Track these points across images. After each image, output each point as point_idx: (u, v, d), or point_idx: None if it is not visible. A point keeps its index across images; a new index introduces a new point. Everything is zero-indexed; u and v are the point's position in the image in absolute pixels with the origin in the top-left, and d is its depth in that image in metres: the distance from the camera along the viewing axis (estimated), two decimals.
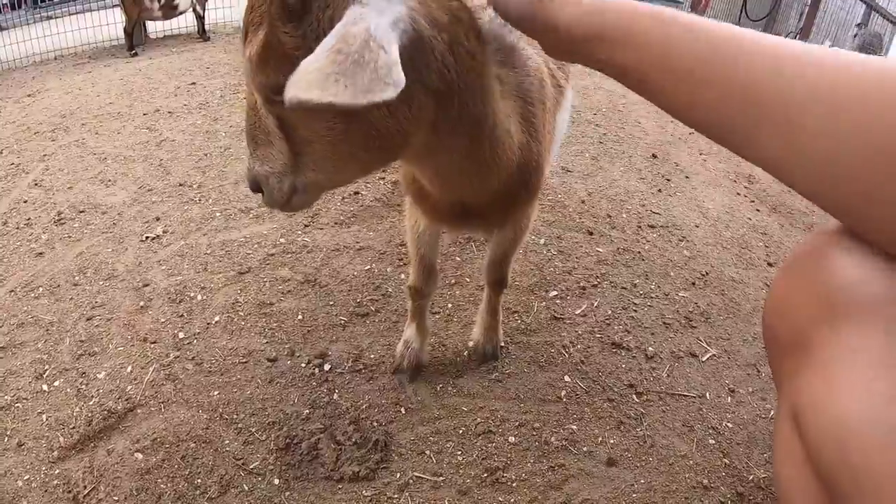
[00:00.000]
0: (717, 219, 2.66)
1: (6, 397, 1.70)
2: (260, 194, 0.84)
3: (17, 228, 2.52)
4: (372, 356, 1.75)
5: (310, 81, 0.58)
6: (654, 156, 3.15)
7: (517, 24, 0.73)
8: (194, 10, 6.28)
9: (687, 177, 2.99)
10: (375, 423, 1.55)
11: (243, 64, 0.73)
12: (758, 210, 2.82)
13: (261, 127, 0.77)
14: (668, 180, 2.93)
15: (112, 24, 6.30)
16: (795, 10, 12.94)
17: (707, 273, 2.27)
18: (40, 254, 2.32)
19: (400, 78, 0.59)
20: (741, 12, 9.67)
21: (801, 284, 0.57)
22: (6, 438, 1.57)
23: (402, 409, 1.60)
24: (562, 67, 1.33)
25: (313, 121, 0.73)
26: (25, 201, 2.73)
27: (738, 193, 2.94)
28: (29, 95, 4.49)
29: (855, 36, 10.75)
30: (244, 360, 1.72)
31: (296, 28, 0.66)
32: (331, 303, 1.95)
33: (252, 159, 0.80)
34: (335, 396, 1.62)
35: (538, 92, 1.10)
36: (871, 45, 10.04)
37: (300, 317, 1.89)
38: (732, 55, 0.58)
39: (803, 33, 10.78)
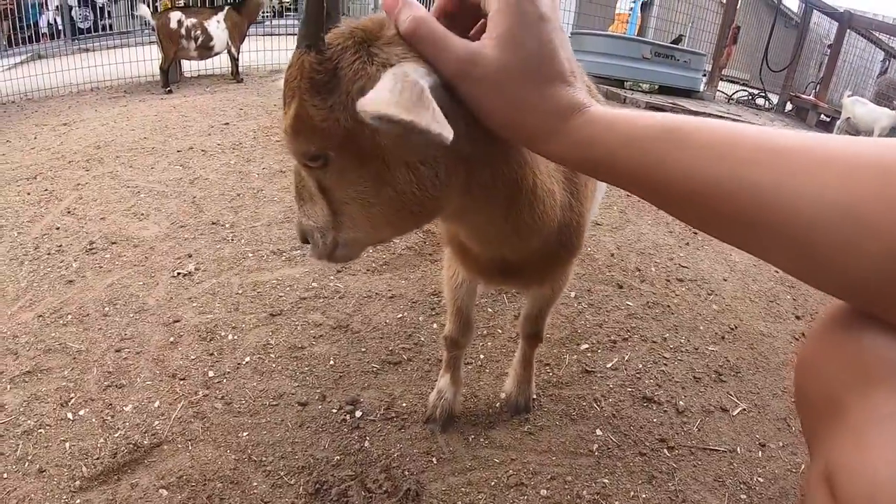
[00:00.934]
0: (745, 272, 2.74)
1: (29, 422, 1.72)
2: (307, 245, 0.89)
3: (49, 254, 2.60)
4: (404, 404, 1.78)
5: (381, 102, 0.61)
6: None
7: (508, 140, 0.77)
8: (229, 51, 6.55)
9: None
10: (407, 473, 1.57)
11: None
12: None
13: (304, 185, 0.83)
14: (696, 233, 3.05)
15: (148, 60, 6.57)
16: (815, 60, 13.27)
17: (736, 327, 2.33)
18: (70, 281, 2.39)
19: (448, 133, 0.62)
20: (762, 63, 9.91)
21: (833, 349, 0.58)
22: (27, 464, 1.59)
23: (434, 459, 1.62)
24: None
25: (346, 186, 0.78)
26: (58, 228, 2.82)
27: None
28: (65, 124, 4.66)
29: (875, 84, 10.97)
30: (274, 403, 1.75)
31: (324, 101, 0.71)
32: (363, 349, 1.99)
33: (300, 213, 0.86)
34: (366, 444, 1.64)
35: None
36: (890, 94, 10.21)
37: (332, 362, 1.93)
38: (730, 174, 0.56)
39: (823, 83, 11.02)
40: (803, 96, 10.67)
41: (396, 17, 0.70)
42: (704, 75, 9.03)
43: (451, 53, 0.66)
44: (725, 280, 2.65)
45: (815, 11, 10.55)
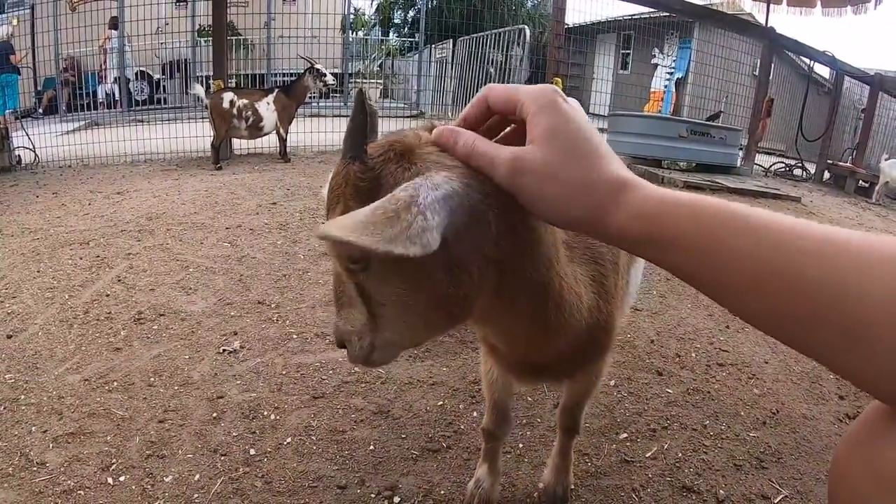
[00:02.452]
0: (787, 352, 2.75)
1: (69, 482, 1.83)
2: (344, 350, 0.94)
3: (98, 320, 2.78)
4: (442, 492, 1.84)
5: (343, 224, 0.70)
6: None
7: (569, 227, 0.78)
8: (277, 132, 6.97)
9: None
10: None
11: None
12: None
13: (343, 290, 0.90)
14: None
15: (199, 136, 6.99)
16: (850, 126, 13.39)
17: (778, 411, 2.34)
18: (118, 349, 2.55)
19: (431, 242, 0.70)
20: (797, 134, 10.05)
21: (863, 455, 0.58)
22: None
23: None
24: None
25: (385, 287, 0.85)
26: (107, 295, 3.02)
27: None
28: (118, 193, 4.98)
29: None
30: (314, 485, 1.83)
31: (370, 201, 0.77)
32: (403, 436, 2.08)
33: (337, 318, 0.91)
34: None
35: (610, 253, 1.22)
36: None
37: (372, 447, 2.01)
38: (794, 264, 0.56)
39: (859, 148, 11.08)
40: (841, 164, 10.74)
41: (453, 148, 0.81)
42: (741, 150, 9.17)
43: (502, 160, 0.74)
44: (767, 362, 2.68)
45: (846, 77, 10.77)
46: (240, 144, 7.36)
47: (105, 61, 12.14)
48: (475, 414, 2.21)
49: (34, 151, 6.86)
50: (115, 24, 11.87)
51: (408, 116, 10.78)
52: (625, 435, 2.15)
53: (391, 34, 19.42)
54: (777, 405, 2.39)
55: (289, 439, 2.02)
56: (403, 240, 0.69)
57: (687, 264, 0.65)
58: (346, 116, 6.07)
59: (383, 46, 16.60)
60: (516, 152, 0.73)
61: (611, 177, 0.69)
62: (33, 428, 2.08)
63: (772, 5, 9.62)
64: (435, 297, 0.85)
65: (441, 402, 2.27)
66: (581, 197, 0.70)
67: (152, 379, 2.34)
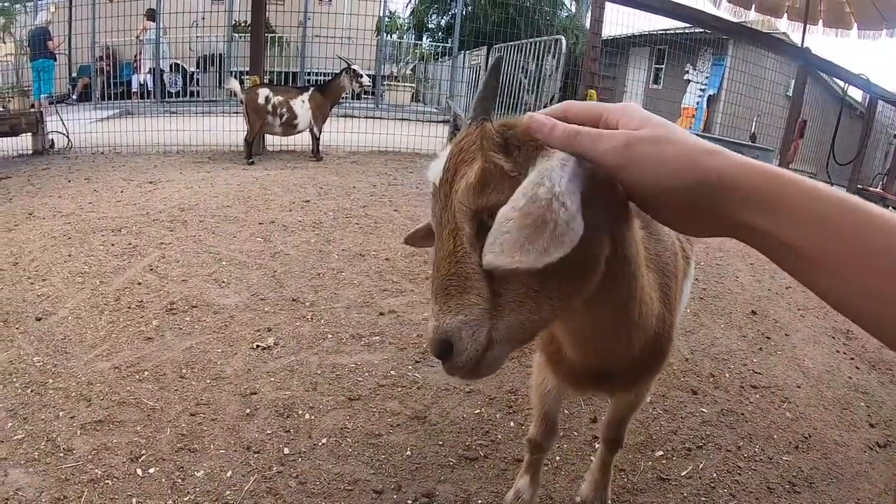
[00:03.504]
0: (819, 378, 2.77)
1: (96, 470, 1.83)
2: (442, 359, 0.87)
3: (129, 308, 2.79)
4: (480, 501, 1.82)
5: (503, 246, 0.72)
6: (753, 312, 3.40)
7: (671, 197, 0.75)
8: (311, 130, 7.00)
9: (787, 334, 3.20)
10: None
11: (448, 205, 0.85)
12: (857, 368, 2.96)
13: (456, 273, 0.85)
14: (769, 338, 3.12)
15: (231, 131, 7.04)
16: (881, 151, 13.17)
17: (810, 436, 2.33)
18: (149, 338, 2.55)
19: (577, 229, 0.72)
20: (829, 157, 9.92)
21: None
22: None
23: None
24: (689, 238, 1.47)
25: None
26: (139, 283, 3.03)
27: (838, 351, 3.10)
28: (151, 182, 5.03)
29: None
30: (349, 488, 1.81)
31: (507, 155, 0.82)
32: (440, 442, 2.06)
33: (441, 314, 0.84)
34: None
35: (673, 264, 1.24)
36: None
37: (408, 452, 2.00)
38: None
39: (890, 174, 10.94)
40: (871, 189, 10.59)
41: (550, 133, 0.81)
42: None
43: (611, 135, 0.75)
44: (799, 386, 2.68)
45: (879, 101, 10.62)
46: (272, 141, 7.42)
47: (141, 52, 12.34)
48: (511, 424, 2.19)
49: (67, 136, 6.97)
50: (152, 15, 12.06)
51: (439, 121, 10.79)
52: (660, 452, 2.14)
53: (425, 38, 19.53)
54: (809, 430, 2.38)
55: (324, 440, 2.00)
56: (556, 242, 0.71)
57: (793, 231, 0.64)
58: (379, 118, 6.13)
59: (416, 50, 16.68)
60: (626, 133, 0.74)
61: (712, 146, 0.71)
62: (61, 413, 2.09)
63: (808, 26, 9.54)
64: (569, 261, 0.77)
65: (478, 411, 2.25)
66: (700, 158, 0.70)
67: (184, 371, 2.34)
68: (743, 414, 2.42)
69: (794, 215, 0.63)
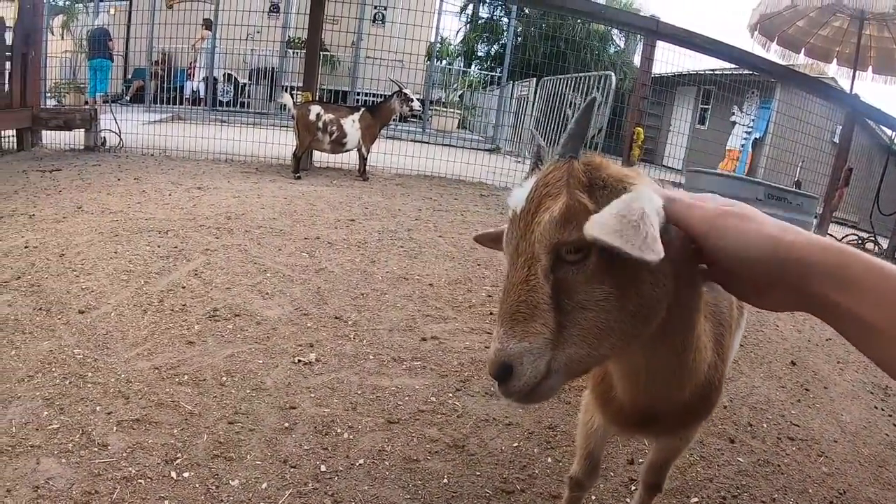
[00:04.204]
0: (856, 434, 2.73)
1: (130, 469, 1.84)
2: (500, 380, 0.90)
3: (172, 311, 2.83)
4: None
5: (603, 227, 0.79)
6: (793, 363, 3.38)
7: (751, 268, 0.83)
8: (359, 150, 7.10)
9: (825, 387, 3.15)
10: None
11: (528, 234, 0.89)
12: (895, 425, 2.91)
13: (526, 301, 0.88)
14: (807, 390, 3.08)
15: (280, 144, 7.19)
16: None
17: (845, 492, 2.29)
18: (191, 342, 2.58)
19: (660, 249, 0.77)
20: (873, 206, 9.70)
21: None
22: None
23: None
24: None
25: (595, 285, 0.87)
26: (183, 287, 3.08)
27: (876, 407, 3.06)
28: (199, 188, 5.13)
29: None
30: None
31: (591, 196, 0.88)
32: (477, 473, 2.04)
33: (505, 338, 0.88)
34: None
35: (728, 314, 1.26)
36: None
37: (445, 480, 1.98)
38: None
39: None
40: None
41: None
42: (815, 219, 8.96)
43: (701, 209, 0.86)
44: (836, 441, 2.63)
45: None
46: (320, 157, 7.53)
47: (196, 60, 12.70)
48: (549, 459, 2.17)
49: (119, 136, 7.16)
50: (209, 25, 12.43)
51: (484, 149, 10.88)
52: (696, 499, 2.12)
53: (473, 66, 19.80)
54: (845, 486, 2.34)
55: (361, 461, 2.00)
56: (647, 248, 0.76)
57: (864, 307, 0.70)
58: (425, 143, 6.19)
59: (465, 78, 16.90)
60: (718, 209, 0.85)
61: (800, 237, 0.78)
62: (98, 408, 2.11)
63: (857, 72, 9.47)
64: (638, 300, 0.88)
65: (516, 444, 2.23)
66: (781, 234, 0.79)
67: (224, 378, 2.36)
68: (779, 465, 2.39)
69: (868, 293, 0.70)
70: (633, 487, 2.06)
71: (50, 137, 6.85)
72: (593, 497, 2.04)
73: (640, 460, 2.17)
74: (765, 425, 2.66)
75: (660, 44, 7.90)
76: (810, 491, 2.27)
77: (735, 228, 0.82)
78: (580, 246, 0.84)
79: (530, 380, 0.87)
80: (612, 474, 2.17)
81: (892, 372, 0.72)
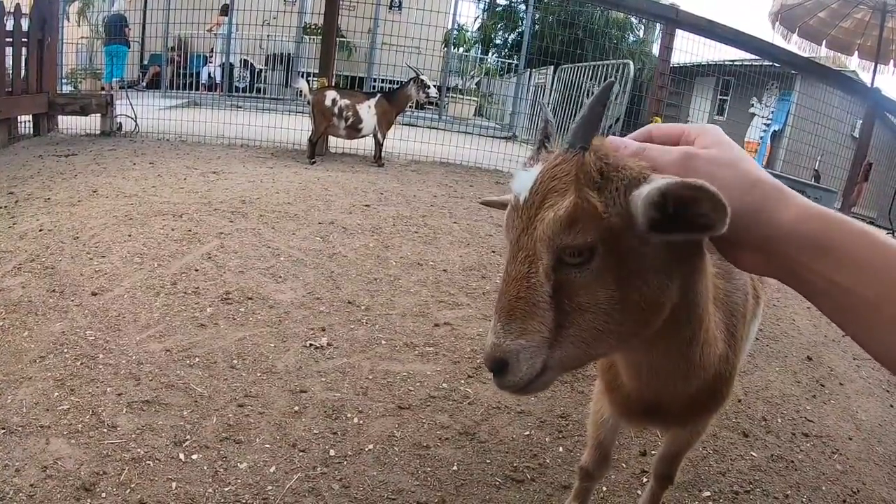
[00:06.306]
0: (871, 432, 2.70)
1: (139, 450, 1.84)
2: (496, 373, 0.89)
3: (185, 293, 2.83)
4: None
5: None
6: (808, 358, 3.33)
7: (736, 217, 0.76)
8: (375, 136, 7.07)
9: (841, 384, 3.11)
10: None
11: (530, 230, 0.85)
12: None
13: (525, 297, 0.86)
14: (823, 386, 3.04)
15: (295, 129, 7.17)
16: None
17: (858, 490, 2.26)
18: (203, 325, 2.58)
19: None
20: (892, 203, 9.59)
21: None
22: (129, 490, 1.69)
23: None
24: (762, 278, 1.44)
25: (597, 286, 0.84)
26: (196, 270, 3.08)
27: (892, 405, 3.02)
28: (214, 172, 5.13)
29: None
30: (393, 497, 1.79)
31: (601, 194, 0.81)
32: (487, 461, 2.03)
33: (502, 333, 0.86)
34: None
35: (743, 305, 1.22)
36: None
37: (455, 467, 1.97)
38: None
39: None
40: None
41: (622, 154, 0.85)
42: None
43: (672, 149, 0.81)
44: (850, 439, 2.59)
45: None
46: (336, 143, 7.52)
47: (214, 45, 12.72)
48: (560, 449, 2.16)
49: (135, 121, 7.19)
50: (226, 11, 12.42)
51: (500, 137, 10.81)
52: (708, 493, 2.10)
53: (491, 54, 19.68)
54: (858, 484, 2.30)
55: (370, 446, 1.99)
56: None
57: (851, 279, 0.67)
58: (441, 129, 6.14)
59: (482, 65, 16.79)
60: (685, 150, 0.81)
61: (773, 180, 0.75)
62: (108, 389, 2.12)
63: (879, 65, 9.30)
64: (639, 301, 0.85)
65: (528, 433, 2.21)
66: (751, 188, 0.74)
67: (235, 361, 2.35)
68: (793, 462, 2.36)
69: (847, 259, 0.67)
70: (645, 479, 2.04)
71: (66, 123, 6.88)
72: (605, 488, 2.02)
73: (653, 452, 2.14)
74: (779, 420, 2.63)
75: (679, 33, 7.79)
76: (823, 488, 2.24)
77: (700, 173, 0.77)
78: (582, 249, 0.81)
79: (525, 376, 0.86)
80: (624, 465, 2.15)
81: (872, 350, 0.69)
